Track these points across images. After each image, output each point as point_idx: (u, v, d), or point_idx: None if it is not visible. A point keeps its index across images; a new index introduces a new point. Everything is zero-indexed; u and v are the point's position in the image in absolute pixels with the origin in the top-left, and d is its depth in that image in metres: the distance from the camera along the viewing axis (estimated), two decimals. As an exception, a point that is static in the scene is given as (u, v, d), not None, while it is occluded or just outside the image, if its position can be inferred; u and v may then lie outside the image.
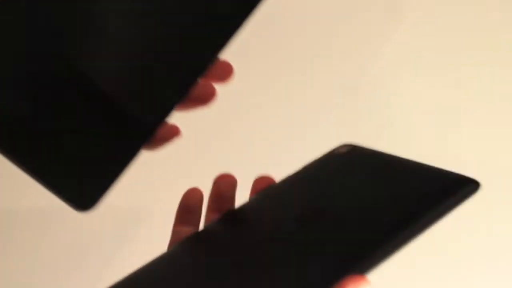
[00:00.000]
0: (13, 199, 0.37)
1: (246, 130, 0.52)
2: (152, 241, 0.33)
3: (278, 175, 0.34)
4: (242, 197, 0.34)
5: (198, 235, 0.33)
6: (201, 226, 0.33)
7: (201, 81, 0.32)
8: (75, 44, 0.29)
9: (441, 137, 0.54)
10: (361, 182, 0.32)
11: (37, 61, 0.28)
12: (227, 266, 0.28)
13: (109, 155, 0.29)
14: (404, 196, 0.29)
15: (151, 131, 0.31)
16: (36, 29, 0.28)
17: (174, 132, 0.34)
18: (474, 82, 0.53)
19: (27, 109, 0.27)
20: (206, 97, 0.35)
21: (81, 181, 0.28)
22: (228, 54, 0.31)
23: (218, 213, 0.35)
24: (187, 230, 0.34)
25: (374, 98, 0.50)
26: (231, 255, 0.29)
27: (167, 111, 0.31)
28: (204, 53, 0.31)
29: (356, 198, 0.30)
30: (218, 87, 0.35)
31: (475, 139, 0.53)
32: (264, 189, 0.35)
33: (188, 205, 0.36)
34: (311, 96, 0.52)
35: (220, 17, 0.31)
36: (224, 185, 0.36)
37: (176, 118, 0.32)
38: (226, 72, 0.35)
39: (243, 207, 0.34)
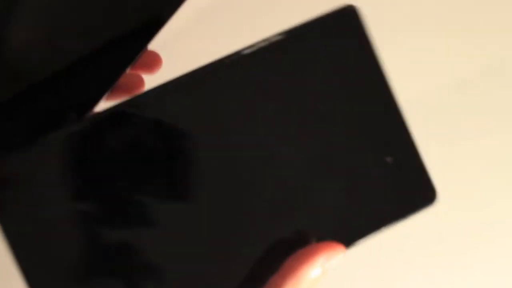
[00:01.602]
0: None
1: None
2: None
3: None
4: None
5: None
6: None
7: (129, 71, 0.33)
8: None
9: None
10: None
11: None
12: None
13: None
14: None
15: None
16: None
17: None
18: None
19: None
20: (134, 87, 0.35)
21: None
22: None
23: None
24: None
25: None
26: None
27: (95, 100, 0.32)
28: (132, 43, 0.32)
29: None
30: (146, 77, 0.36)
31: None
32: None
33: None
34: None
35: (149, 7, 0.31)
36: None
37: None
38: (154, 62, 0.35)
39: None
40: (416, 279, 0.47)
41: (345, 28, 0.30)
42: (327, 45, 0.30)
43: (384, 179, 0.30)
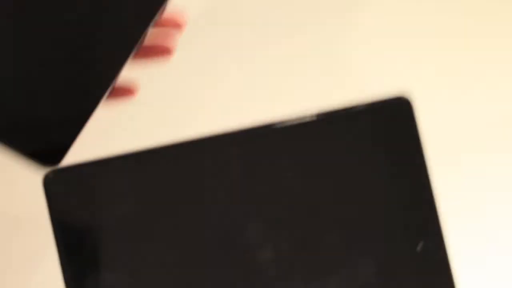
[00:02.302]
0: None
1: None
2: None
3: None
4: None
5: None
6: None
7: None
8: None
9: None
10: None
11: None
12: None
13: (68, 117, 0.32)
14: None
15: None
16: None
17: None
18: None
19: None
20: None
21: (46, 141, 0.31)
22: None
23: None
24: None
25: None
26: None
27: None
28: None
29: None
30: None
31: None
32: None
33: None
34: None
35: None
36: None
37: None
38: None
39: None
40: None
41: (396, 116, 0.31)
42: (375, 130, 0.31)
43: (409, 266, 0.31)
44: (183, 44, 0.34)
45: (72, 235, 0.29)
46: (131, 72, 0.32)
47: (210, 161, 0.30)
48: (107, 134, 0.34)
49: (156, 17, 0.32)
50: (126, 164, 0.30)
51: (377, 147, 0.31)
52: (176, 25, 0.35)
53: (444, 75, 0.35)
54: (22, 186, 0.32)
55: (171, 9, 0.33)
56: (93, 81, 0.32)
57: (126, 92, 0.35)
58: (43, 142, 0.31)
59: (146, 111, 0.37)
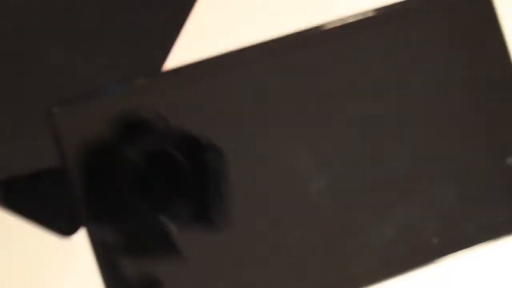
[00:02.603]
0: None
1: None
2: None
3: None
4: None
5: None
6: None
7: None
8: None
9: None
10: None
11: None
12: None
13: None
14: None
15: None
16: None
17: None
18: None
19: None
20: None
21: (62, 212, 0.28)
22: None
23: None
24: None
25: None
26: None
27: None
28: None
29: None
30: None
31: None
32: None
33: None
34: None
35: None
36: None
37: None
38: None
39: None
40: None
41: (477, 14, 0.26)
42: (452, 26, 0.26)
43: (499, 185, 0.26)
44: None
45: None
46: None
47: (250, 77, 0.25)
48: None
49: None
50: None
51: (451, 48, 0.26)
52: None
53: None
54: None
55: None
56: None
57: None
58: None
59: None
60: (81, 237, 0.27)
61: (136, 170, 0.25)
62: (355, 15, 0.26)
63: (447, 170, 0.26)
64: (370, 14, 0.25)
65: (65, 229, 0.28)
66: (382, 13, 0.25)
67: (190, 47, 0.28)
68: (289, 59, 0.25)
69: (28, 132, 0.27)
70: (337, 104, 0.25)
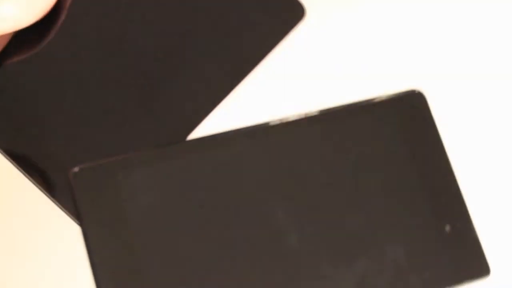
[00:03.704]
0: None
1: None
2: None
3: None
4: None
5: None
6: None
7: None
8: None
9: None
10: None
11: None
12: None
13: None
14: None
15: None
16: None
17: None
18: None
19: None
20: None
21: None
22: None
23: None
24: None
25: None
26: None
27: None
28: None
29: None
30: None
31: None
32: None
33: None
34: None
35: None
36: None
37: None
38: None
39: None
40: None
41: (411, 110, 0.33)
42: (393, 121, 0.33)
43: (439, 247, 0.31)
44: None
45: (102, 229, 0.29)
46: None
47: (233, 155, 0.31)
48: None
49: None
50: (152, 158, 0.30)
51: (395, 138, 0.32)
52: None
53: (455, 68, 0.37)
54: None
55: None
56: None
57: None
58: None
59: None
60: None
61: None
62: (299, 114, 0.32)
63: (397, 234, 0.31)
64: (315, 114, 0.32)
65: None
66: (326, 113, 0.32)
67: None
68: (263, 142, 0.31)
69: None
70: (307, 179, 0.31)
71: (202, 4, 0.34)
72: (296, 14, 0.34)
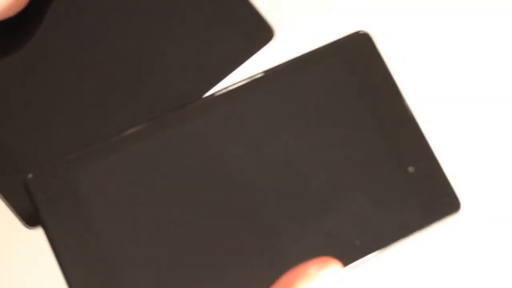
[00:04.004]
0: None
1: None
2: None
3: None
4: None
5: None
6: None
7: None
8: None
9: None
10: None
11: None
12: None
13: None
14: None
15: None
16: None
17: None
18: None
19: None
20: None
21: None
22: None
23: None
24: None
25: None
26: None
27: None
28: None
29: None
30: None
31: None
32: None
33: None
34: None
35: None
36: None
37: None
38: None
39: None
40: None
41: (360, 52, 0.32)
42: (342, 68, 0.32)
43: (405, 190, 0.31)
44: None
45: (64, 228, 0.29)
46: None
47: (184, 132, 0.31)
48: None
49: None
50: (103, 151, 0.30)
51: (347, 85, 0.32)
52: None
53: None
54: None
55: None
56: None
57: None
58: None
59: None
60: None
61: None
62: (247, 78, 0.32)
63: (360, 182, 0.31)
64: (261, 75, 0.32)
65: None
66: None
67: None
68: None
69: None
70: (265, 139, 0.31)
71: (163, 18, 0.34)
72: (264, 35, 0.34)
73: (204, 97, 0.32)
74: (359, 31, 0.32)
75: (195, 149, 0.30)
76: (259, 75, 0.31)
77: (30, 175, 0.29)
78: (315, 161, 0.31)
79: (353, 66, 0.32)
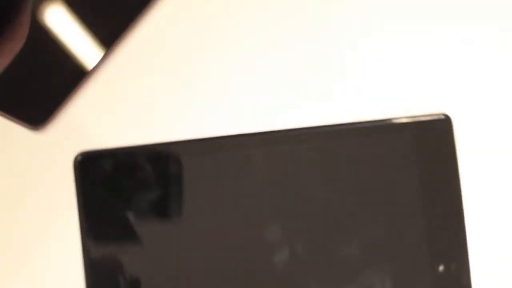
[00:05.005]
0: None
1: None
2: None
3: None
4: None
5: None
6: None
7: None
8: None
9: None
10: None
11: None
12: None
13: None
14: None
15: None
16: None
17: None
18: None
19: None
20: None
21: (33, 103, 0.32)
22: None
23: None
24: None
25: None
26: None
27: None
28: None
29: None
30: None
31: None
32: None
33: None
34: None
35: None
36: None
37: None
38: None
39: None
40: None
41: (436, 134, 0.31)
42: (415, 146, 0.31)
43: (428, 285, 0.31)
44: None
45: (97, 216, 0.30)
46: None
47: (236, 160, 0.31)
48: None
49: None
50: (153, 153, 0.30)
51: (411, 164, 0.31)
52: None
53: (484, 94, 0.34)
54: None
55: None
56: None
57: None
58: (30, 104, 0.32)
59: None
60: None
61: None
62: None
63: (389, 266, 0.31)
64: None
65: (34, 119, 0.32)
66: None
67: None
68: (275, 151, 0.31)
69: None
70: (307, 194, 0.31)
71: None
72: None
73: (266, 132, 0.32)
74: (442, 114, 0.31)
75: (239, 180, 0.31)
76: (329, 126, 0.31)
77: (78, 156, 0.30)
78: (352, 230, 0.31)
79: (423, 148, 0.31)
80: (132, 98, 0.33)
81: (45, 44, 0.33)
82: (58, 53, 0.33)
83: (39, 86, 0.33)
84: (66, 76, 0.33)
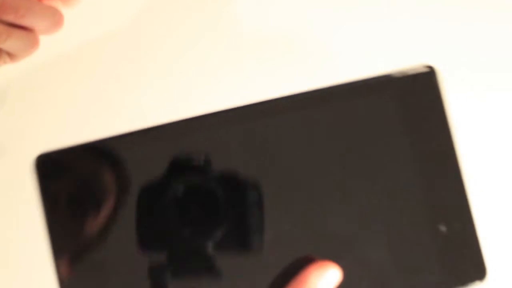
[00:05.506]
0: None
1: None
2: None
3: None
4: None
5: None
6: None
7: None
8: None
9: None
10: None
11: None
12: None
13: None
14: None
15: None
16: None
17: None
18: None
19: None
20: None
21: None
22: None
23: None
24: None
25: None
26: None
27: None
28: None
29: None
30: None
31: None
32: None
33: None
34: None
35: None
36: None
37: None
38: None
39: None
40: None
41: (423, 88, 0.29)
42: (401, 103, 0.29)
43: (433, 247, 0.29)
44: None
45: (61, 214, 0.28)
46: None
47: (210, 137, 0.28)
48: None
49: None
50: (116, 145, 0.28)
51: (398, 122, 0.29)
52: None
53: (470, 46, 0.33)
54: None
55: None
56: None
57: None
58: None
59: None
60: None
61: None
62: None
63: (383, 233, 0.28)
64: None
65: None
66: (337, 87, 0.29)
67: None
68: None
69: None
70: (296, 162, 0.28)
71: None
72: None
73: (244, 106, 0.29)
74: (427, 66, 0.29)
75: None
76: (312, 91, 0.29)
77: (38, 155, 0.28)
78: (341, 199, 0.28)
79: (410, 104, 0.29)
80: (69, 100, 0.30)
81: None
82: None
83: None
84: None
